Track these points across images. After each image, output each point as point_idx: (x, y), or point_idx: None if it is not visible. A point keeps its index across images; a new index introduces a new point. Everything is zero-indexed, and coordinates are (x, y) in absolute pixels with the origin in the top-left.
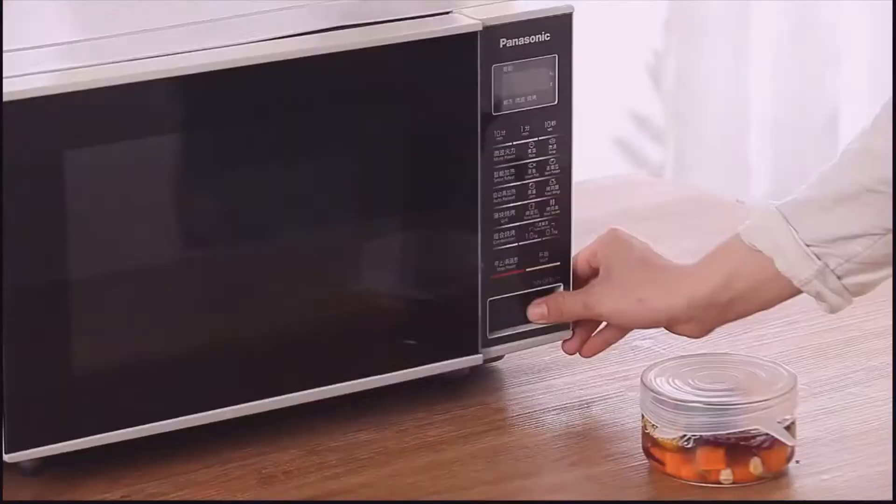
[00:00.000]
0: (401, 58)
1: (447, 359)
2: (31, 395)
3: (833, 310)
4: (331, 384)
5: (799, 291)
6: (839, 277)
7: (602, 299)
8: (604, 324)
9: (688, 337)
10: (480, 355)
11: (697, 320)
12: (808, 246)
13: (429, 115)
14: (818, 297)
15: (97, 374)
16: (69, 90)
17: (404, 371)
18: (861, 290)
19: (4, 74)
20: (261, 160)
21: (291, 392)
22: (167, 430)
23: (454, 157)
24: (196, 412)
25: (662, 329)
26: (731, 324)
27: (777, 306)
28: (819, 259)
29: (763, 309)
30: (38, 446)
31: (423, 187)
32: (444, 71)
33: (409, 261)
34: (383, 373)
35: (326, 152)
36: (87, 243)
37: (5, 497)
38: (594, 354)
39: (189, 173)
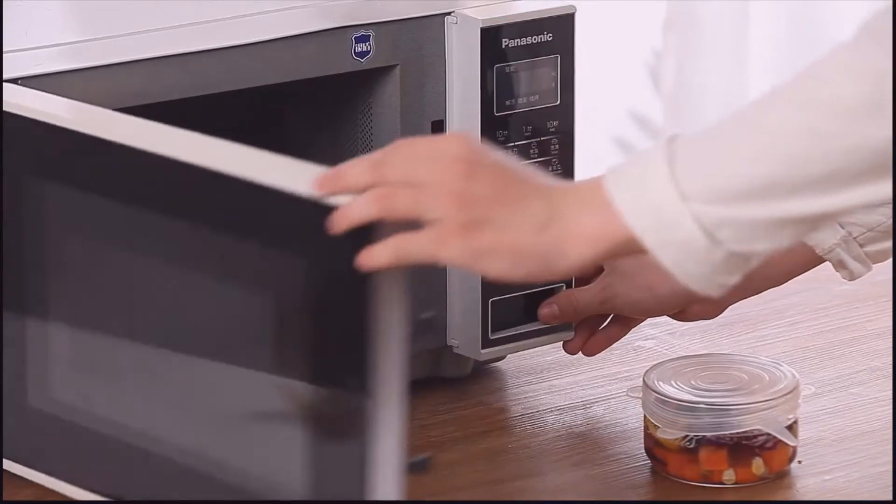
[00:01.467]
0: None
1: None
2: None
3: (853, 276)
4: None
5: (815, 263)
6: (861, 245)
7: (615, 292)
8: (608, 321)
9: (702, 319)
10: None
11: (710, 299)
12: None
13: None
14: (840, 265)
15: (47, 416)
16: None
17: None
18: (881, 257)
19: (4, 75)
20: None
21: None
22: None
23: None
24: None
25: (664, 329)
26: (733, 324)
27: (778, 306)
28: (843, 228)
29: (775, 284)
30: (11, 460)
31: None
32: None
33: None
34: None
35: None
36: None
37: (5, 497)
38: (598, 352)
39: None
